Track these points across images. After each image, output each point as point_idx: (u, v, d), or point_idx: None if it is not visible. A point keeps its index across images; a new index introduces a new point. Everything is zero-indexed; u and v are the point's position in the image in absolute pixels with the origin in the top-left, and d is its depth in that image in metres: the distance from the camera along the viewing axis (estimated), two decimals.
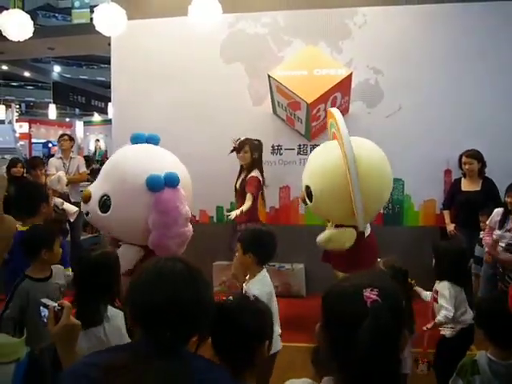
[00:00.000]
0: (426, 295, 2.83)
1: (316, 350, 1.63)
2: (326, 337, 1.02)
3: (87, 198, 3.21)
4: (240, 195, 4.15)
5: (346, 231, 3.44)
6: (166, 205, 3.11)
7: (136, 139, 3.54)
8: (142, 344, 1.12)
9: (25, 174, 5.51)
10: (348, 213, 3.22)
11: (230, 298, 1.58)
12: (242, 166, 4.21)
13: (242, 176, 4.17)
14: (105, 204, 3.15)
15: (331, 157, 3.30)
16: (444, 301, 2.60)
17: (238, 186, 4.20)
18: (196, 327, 1.15)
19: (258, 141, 4.24)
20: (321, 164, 3.40)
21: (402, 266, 2.57)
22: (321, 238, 3.53)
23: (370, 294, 0.96)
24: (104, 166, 3.53)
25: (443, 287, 2.65)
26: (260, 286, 2.44)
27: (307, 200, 3.51)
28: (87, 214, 3.31)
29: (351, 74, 4.21)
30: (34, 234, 2.55)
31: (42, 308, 1.47)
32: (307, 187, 3.42)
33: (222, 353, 1.48)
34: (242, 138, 4.17)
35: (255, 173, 4.11)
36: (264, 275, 2.53)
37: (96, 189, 3.28)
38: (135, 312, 1.17)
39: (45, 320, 1.44)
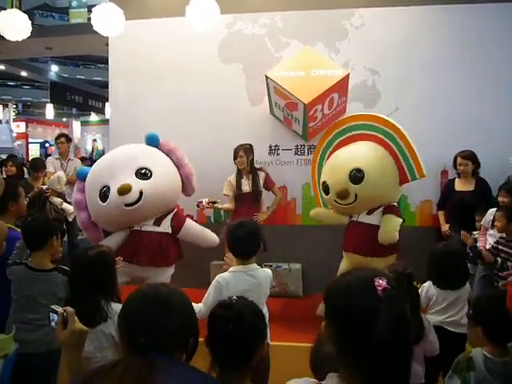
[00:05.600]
0: None
1: (314, 352, 1.64)
2: (334, 333, 1.02)
3: (128, 187, 3.36)
4: (249, 197, 4.19)
5: (397, 219, 3.67)
6: (170, 145, 3.85)
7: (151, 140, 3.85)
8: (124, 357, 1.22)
9: (25, 175, 5.51)
10: (394, 184, 3.75)
11: (234, 297, 1.60)
12: (240, 171, 4.24)
13: (249, 179, 4.21)
14: (144, 174, 3.49)
15: (370, 145, 3.75)
16: None
17: (247, 188, 4.20)
18: (170, 346, 1.23)
19: (249, 145, 4.32)
20: (365, 151, 3.75)
21: (407, 269, 2.46)
22: (393, 233, 3.60)
23: (381, 282, 0.97)
24: (108, 174, 3.55)
25: (422, 287, 2.78)
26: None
27: (351, 184, 3.61)
28: (140, 194, 3.39)
29: (348, 75, 4.22)
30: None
31: (51, 314, 1.47)
32: (358, 170, 3.61)
33: (220, 355, 1.49)
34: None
35: (263, 172, 4.31)
36: (233, 271, 2.51)
37: (126, 176, 3.43)
38: (120, 330, 1.28)
39: (54, 325, 1.45)
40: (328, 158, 4.09)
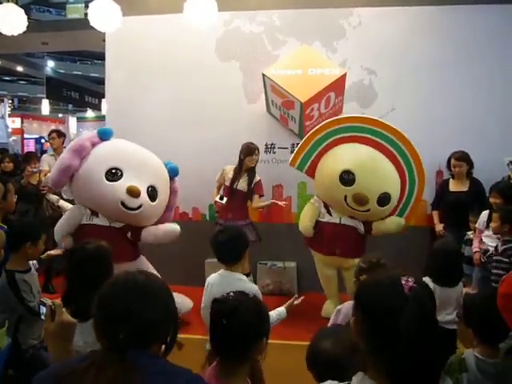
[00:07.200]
0: None
1: (311, 349, 1.64)
2: (365, 330, 1.06)
3: (138, 193, 3.30)
4: (242, 195, 4.16)
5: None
6: (177, 187, 3.75)
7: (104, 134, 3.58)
8: (100, 351, 1.16)
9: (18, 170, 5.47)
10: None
11: (231, 293, 1.61)
12: (240, 169, 4.18)
13: (246, 178, 4.17)
14: (153, 194, 3.44)
15: (390, 166, 3.64)
16: None
17: (240, 187, 4.16)
18: (149, 337, 1.17)
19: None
20: (391, 171, 3.65)
21: (380, 259, 2.52)
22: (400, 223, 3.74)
23: (408, 282, 1.04)
24: (126, 164, 3.45)
25: None
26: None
27: (375, 203, 3.55)
28: (140, 206, 3.33)
29: (345, 74, 4.22)
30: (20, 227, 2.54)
31: (41, 306, 1.48)
32: (385, 193, 3.56)
33: (220, 348, 1.54)
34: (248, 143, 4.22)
35: (258, 176, 4.24)
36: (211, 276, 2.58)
37: (137, 183, 3.35)
38: (95, 320, 1.20)
39: (43, 317, 1.45)
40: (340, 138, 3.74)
